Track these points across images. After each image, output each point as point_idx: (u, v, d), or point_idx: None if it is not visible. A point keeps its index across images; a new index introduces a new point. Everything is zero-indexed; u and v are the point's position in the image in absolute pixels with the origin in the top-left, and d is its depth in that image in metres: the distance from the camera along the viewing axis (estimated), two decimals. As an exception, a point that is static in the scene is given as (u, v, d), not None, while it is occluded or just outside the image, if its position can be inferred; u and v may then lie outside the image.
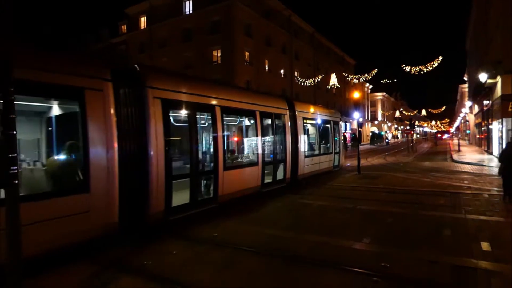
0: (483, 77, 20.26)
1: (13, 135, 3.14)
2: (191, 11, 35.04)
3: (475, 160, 20.52)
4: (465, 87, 55.56)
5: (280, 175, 11.09)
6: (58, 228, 5.01)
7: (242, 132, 11.17)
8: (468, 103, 37.71)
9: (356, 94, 38.66)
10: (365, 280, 4.50)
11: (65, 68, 5.38)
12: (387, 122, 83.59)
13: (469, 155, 25.31)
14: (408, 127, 40.47)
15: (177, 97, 7.26)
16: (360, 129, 26.56)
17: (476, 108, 35.27)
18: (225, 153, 8.61)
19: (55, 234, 4.99)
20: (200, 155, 8.21)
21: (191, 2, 35.11)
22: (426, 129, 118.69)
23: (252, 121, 10.31)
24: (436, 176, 14.61)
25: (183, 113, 7.66)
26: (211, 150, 8.44)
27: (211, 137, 8.48)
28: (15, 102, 3.18)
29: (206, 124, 8.84)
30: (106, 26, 44.59)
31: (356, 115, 20.82)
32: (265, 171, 10.19)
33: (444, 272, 4.72)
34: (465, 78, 50.83)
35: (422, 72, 24.86)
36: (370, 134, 62.15)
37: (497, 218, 7.43)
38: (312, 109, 14.11)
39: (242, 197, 9.22)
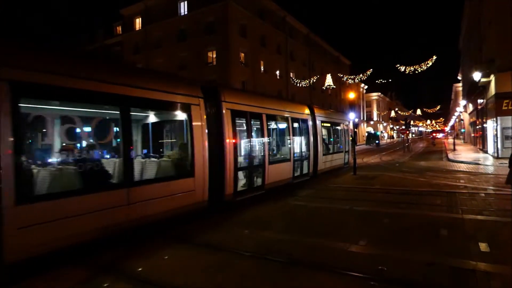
0: (477, 76, 20.31)
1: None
2: (186, 12, 34.90)
3: (470, 159, 20.56)
4: (459, 86, 55.89)
5: (305, 169, 13.27)
6: (180, 200, 7.26)
7: (279, 134, 13.18)
8: (462, 102, 37.86)
9: (351, 95, 38.83)
10: (362, 284, 4.41)
11: (185, 91, 7.80)
12: (383, 122, 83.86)
13: (465, 154, 25.38)
14: (403, 127, 40.52)
15: (239, 108, 9.42)
16: (355, 129, 26.56)
17: (470, 107, 35.46)
18: (269, 150, 10.70)
19: (179, 203, 7.23)
20: (253, 152, 10.01)
21: (185, 3, 34.98)
22: (421, 129, 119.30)
23: (285, 125, 12.29)
24: (432, 176, 14.58)
25: (243, 119, 9.75)
26: (260, 148, 10.38)
27: (259, 137, 10.43)
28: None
29: (256, 127, 10.69)
30: (101, 27, 44.25)
31: (352, 115, 20.79)
32: (295, 166, 12.21)
33: (442, 274, 4.63)
34: (459, 77, 51.13)
35: (416, 72, 24.86)
36: (366, 134, 62.28)
37: (494, 218, 7.36)
38: (327, 114, 16.53)
39: (279, 186, 11.01)
